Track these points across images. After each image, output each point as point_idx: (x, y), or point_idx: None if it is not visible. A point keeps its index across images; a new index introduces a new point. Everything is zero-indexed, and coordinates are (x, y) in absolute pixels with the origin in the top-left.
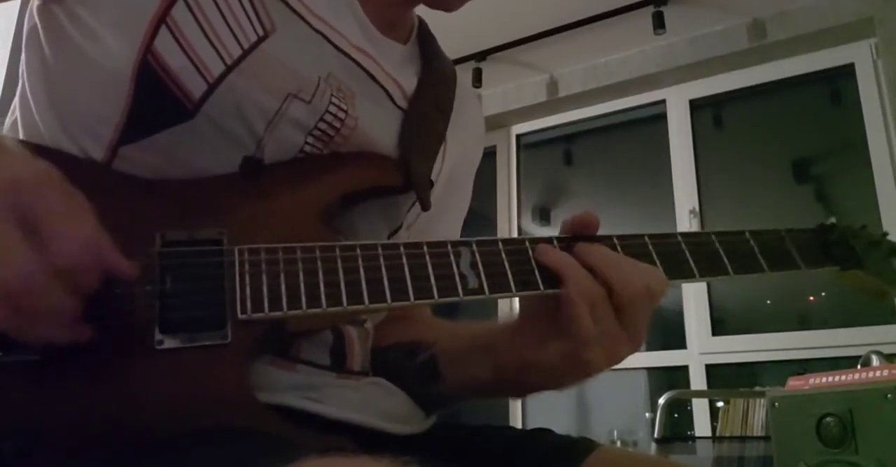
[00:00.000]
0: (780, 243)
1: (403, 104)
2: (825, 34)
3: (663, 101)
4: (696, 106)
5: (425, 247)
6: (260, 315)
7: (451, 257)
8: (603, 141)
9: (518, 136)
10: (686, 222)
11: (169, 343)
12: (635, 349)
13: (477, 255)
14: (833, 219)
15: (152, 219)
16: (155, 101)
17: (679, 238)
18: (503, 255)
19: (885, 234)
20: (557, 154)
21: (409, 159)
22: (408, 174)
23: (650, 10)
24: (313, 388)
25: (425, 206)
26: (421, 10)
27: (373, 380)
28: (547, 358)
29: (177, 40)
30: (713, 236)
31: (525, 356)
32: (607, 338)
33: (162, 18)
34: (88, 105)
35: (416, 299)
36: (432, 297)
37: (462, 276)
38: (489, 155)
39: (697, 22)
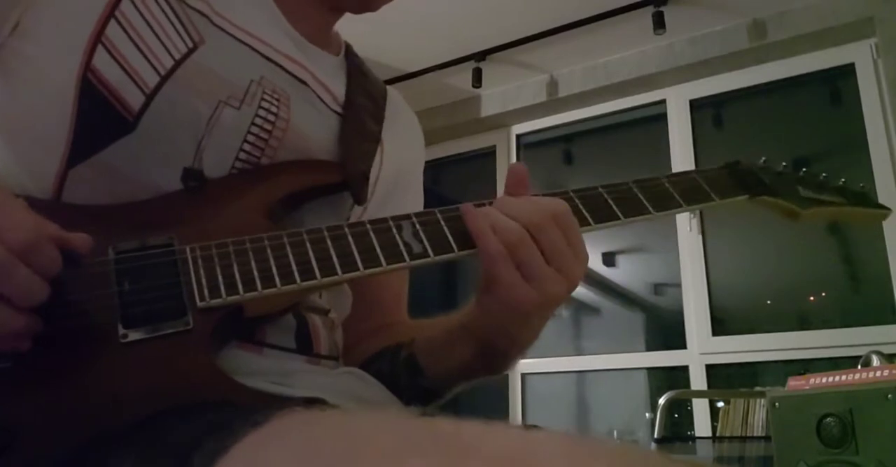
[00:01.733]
0: (692, 182)
1: (337, 108)
2: (825, 34)
3: (663, 101)
4: (696, 106)
5: (368, 225)
6: (218, 301)
7: (394, 230)
8: (603, 141)
9: (518, 136)
10: (686, 222)
11: (133, 335)
12: (570, 287)
13: (417, 226)
14: (739, 159)
15: (104, 243)
16: (98, 116)
17: (600, 189)
18: (442, 223)
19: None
20: (557, 154)
21: (346, 157)
22: (344, 171)
23: (650, 10)
24: (285, 374)
25: (359, 200)
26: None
27: (347, 370)
28: (488, 309)
29: (113, 56)
30: (631, 184)
31: (482, 321)
32: (536, 276)
33: (97, 38)
34: (37, 131)
35: (365, 268)
36: (380, 265)
37: (406, 244)
38: (489, 155)
39: (697, 22)
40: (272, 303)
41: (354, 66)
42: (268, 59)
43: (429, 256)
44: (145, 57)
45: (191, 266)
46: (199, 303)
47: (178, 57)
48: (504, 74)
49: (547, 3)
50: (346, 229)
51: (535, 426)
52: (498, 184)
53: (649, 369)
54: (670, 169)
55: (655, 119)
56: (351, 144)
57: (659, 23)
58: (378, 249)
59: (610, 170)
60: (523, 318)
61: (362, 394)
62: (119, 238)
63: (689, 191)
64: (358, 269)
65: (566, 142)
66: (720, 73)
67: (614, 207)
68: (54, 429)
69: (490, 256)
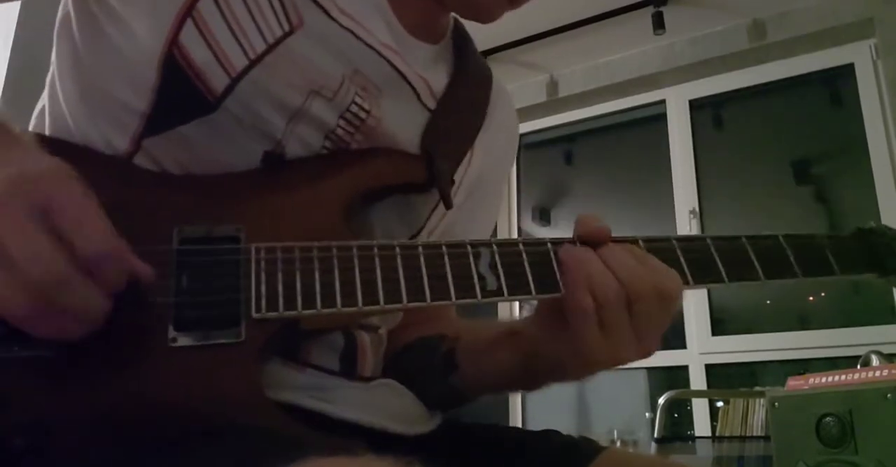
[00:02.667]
0: (815, 248)
1: (431, 103)
2: (825, 34)
3: (663, 101)
4: (696, 106)
5: (444, 248)
6: (274, 314)
7: (471, 258)
8: (603, 141)
9: (518, 136)
10: (686, 223)
11: (183, 341)
12: (644, 355)
13: (497, 256)
14: (872, 224)
15: (171, 215)
16: (179, 93)
17: (709, 241)
18: (524, 256)
19: None
20: (558, 154)
21: (433, 156)
22: (430, 170)
23: (650, 10)
24: (323, 389)
25: (448, 204)
26: None
27: (383, 382)
28: (554, 353)
29: (202, 34)
30: (744, 240)
31: (537, 347)
32: (616, 340)
33: (188, 12)
34: (115, 94)
35: (432, 300)
36: (449, 298)
37: (481, 277)
38: None
39: (697, 22)
40: (330, 319)
41: (461, 52)
42: (369, 46)
43: (502, 295)
44: (235, 37)
45: (252, 270)
46: (254, 314)
47: (271, 41)
48: (504, 74)
49: (547, 3)
50: (420, 249)
51: (549, 430)
52: None
53: (649, 369)
54: (670, 169)
55: (655, 119)
56: (435, 145)
57: (659, 23)
58: (450, 279)
59: (610, 170)
60: (586, 367)
61: (395, 409)
62: (186, 213)
63: (809, 259)
64: (425, 300)
65: (566, 143)
66: (720, 73)
67: (720, 266)
68: (87, 430)
69: (577, 314)
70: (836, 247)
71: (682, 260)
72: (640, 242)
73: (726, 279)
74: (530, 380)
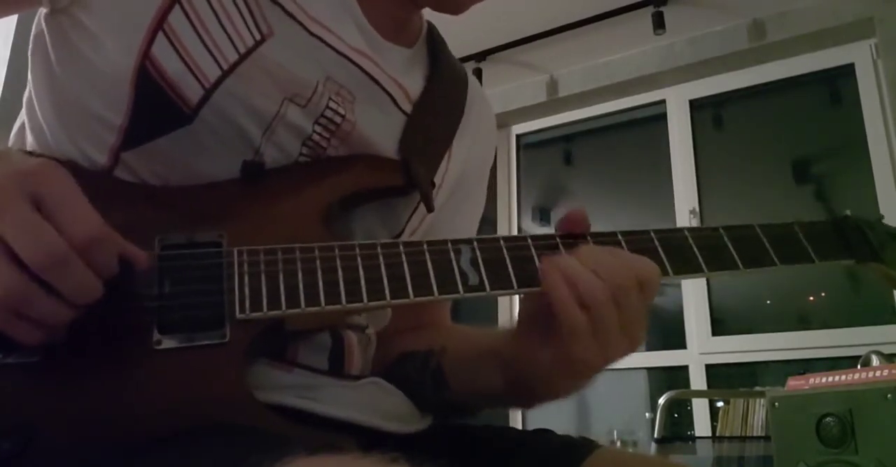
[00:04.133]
0: (791, 236)
1: (407, 107)
2: (825, 34)
3: (663, 101)
4: (696, 106)
5: (425, 246)
6: (258, 314)
7: (452, 255)
8: (603, 141)
9: (518, 136)
10: (686, 222)
11: (167, 343)
12: (633, 349)
13: (477, 252)
14: (848, 212)
15: (153, 226)
16: (154, 106)
17: (686, 232)
18: (504, 252)
19: None
20: (557, 154)
21: (410, 161)
22: (408, 175)
23: (650, 10)
24: (311, 388)
25: (429, 207)
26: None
27: (371, 380)
28: (541, 360)
29: (173, 46)
30: (721, 230)
31: (523, 360)
32: (607, 343)
33: (159, 25)
34: (92, 110)
35: (415, 296)
36: (432, 294)
37: (462, 273)
38: None
39: (697, 22)
40: (315, 319)
41: (435, 54)
42: (340, 53)
43: (484, 290)
44: (207, 48)
45: (235, 272)
46: (237, 315)
47: (243, 50)
48: (504, 74)
49: (547, 3)
50: (402, 248)
51: (543, 429)
52: (498, 184)
53: (649, 369)
54: (670, 169)
55: (655, 119)
56: (413, 149)
57: (659, 23)
58: (432, 276)
59: (610, 170)
60: (577, 375)
61: (385, 407)
62: (168, 224)
63: (785, 245)
64: (408, 297)
65: (566, 143)
66: (720, 73)
67: (699, 257)
68: (73, 433)
69: (570, 326)
70: (811, 234)
71: (660, 252)
72: (619, 236)
73: (706, 269)
74: (523, 399)
